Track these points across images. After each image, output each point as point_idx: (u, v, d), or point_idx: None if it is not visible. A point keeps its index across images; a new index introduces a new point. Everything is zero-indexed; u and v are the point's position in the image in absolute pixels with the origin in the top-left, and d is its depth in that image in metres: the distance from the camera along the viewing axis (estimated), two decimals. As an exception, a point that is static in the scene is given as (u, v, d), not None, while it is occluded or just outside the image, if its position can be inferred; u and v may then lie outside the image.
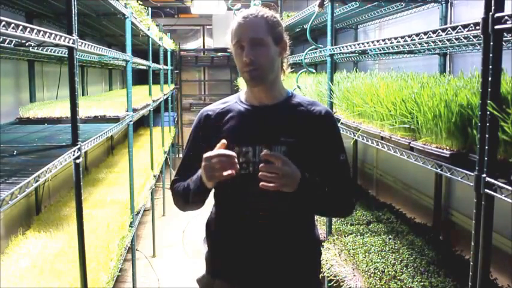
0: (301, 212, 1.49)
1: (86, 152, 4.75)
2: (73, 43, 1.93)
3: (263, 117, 1.47)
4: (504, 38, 1.28)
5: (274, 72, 1.46)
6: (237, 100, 1.54)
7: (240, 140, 1.44)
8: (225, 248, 1.51)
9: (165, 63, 7.66)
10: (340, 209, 1.55)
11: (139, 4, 4.18)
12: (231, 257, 1.49)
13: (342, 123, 2.48)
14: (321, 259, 1.60)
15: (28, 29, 1.40)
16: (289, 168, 1.29)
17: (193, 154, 1.53)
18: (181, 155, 11.00)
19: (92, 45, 2.34)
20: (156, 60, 6.16)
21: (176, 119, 9.55)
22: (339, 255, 2.49)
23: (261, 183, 1.27)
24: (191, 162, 1.52)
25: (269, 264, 1.45)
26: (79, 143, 2.03)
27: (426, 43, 1.78)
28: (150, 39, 5.36)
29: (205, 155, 1.32)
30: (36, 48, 2.22)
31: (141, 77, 7.60)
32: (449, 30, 1.38)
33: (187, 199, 1.48)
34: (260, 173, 1.27)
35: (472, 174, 1.29)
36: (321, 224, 3.00)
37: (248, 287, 1.48)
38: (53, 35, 1.66)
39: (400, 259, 2.29)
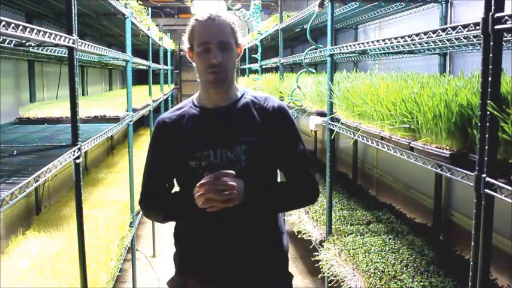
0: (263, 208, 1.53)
1: (86, 152, 4.75)
2: (73, 43, 1.93)
3: (220, 119, 1.50)
4: (504, 38, 1.28)
5: (233, 73, 1.51)
6: (192, 105, 1.55)
7: (200, 144, 1.47)
8: (193, 247, 1.54)
9: (165, 63, 7.66)
10: (303, 200, 1.62)
11: (139, 4, 4.19)
12: (200, 255, 1.52)
13: (342, 123, 2.49)
14: (287, 249, 1.63)
15: (28, 29, 1.40)
16: (234, 182, 1.34)
17: (156, 165, 1.55)
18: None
19: (92, 45, 2.34)
20: (156, 60, 6.16)
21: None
22: (339, 255, 2.50)
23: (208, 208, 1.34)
24: (156, 174, 1.55)
25: (236, 259, 1.49)
26: (79, 143, 2.03)
27: (426, 43, 1.78)
28: (150, 39, 5.36)
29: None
30: (36, 48, 2.22)
31: (141, 77, 7.60)
32: (449, 30, 1.38)
33: (174, 217, 1.57)
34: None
35: (472, 174, 1.29)
36: (320, 224, 3.00)
37: (220, 283, 1.51)
38: (53, 35, 1.66)
39: (400, 259, 2.29)
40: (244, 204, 1.38)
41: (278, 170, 1.61)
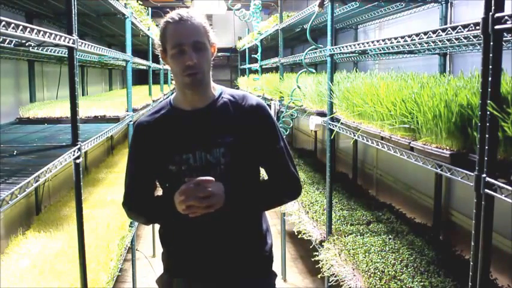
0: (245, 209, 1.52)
1: (86, 152, 4.75)
2: (73, 43, 1.94)
3: (197, 121, 1.48)
4: (504, 38, 1.28)
5: (209, 74, 1.49)
6: (169, 107, 1.53)
7: (179, 147, 1.46)
8: (177, 247, 1.55)
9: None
10: (285, 197, 1.61)
11: (139, 4, 4.19)
12: (183, 255, 1.53)
13: (342, 123, 2.48)
14: (272, 249, 1.62)
15: (28, 29, 1.40)
16: (213, 187, 1.35)
17: (137, 169, 1.55)
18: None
19: (92, 45, 2.34)
20: (156, 60, 6.15)
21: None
22: (339, 255, 2.49)
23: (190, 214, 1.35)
24: (137, 178, 1.55)
25: (218, 259, 1.49)
26: (79, 143, 2.03)
27: (426, 43, 1.78)
28: (150, 39, 5.36)
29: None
30: (36, 48, 2.22)
31: (141, 77, 7.60)
32: (449, 30, 1.38)
33: (157, 220, 1.59)
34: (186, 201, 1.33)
35: (472, 174, 1.29)
36: (320, 224, 3.00)
37: (203, 282, 1.52)
38: (53, 35, 1.66)
39: (400, 259, 2.29)
40: (225, 208, 1.38)
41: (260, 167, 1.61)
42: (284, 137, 1.59)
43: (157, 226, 1.63)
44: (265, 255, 1.59)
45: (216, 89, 1.54)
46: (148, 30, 5.07)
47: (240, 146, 1.46)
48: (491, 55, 1.19)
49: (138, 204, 1.55)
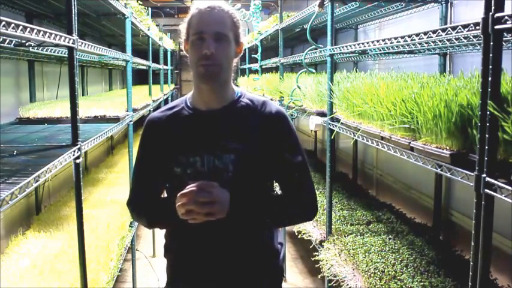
0: (253, 223, 1.41)
1: (86, 152, 4.75)
2: (73, 43, 1.94)
3: (210, 123, 1.38)
4: (504, 38, 1.28)
5: (229, 72, 1.38)
6: (184, 105, 1.44)
7: (188, 149, 1.37)
8: (182, 259, 1.46)
9: (165, 63, 7.66)
10: (297, 216, 1.50)
11: (139, 4, 4.19)
12: (188, 267, 1.43)
13: (342, 123, 2.49)
14: (282, 264, 1.53)
15: (28, 29, 1.40)
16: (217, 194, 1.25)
17: (145, 167, 1.46)
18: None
19: (92, 45, 2.34)
20: (156, 60, 6.16)
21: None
22: (339, 255, 2.49)
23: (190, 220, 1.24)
24: (144, 176, 1.47)
25: (224, 273, 1.40)
26: (79, 143, 2.03)
27: (426, 43, 1.78)
28: (150, 39, 5.36)
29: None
30: (36, 48, 2.22)
31: (141, 77, 7.60)
32: (449, 30, 1.38)
33: (157, 224, 1.50)
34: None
35: (472, 174, 1.29)
36: (320, 224, 3.00)
37: None
38: (53, 35, 1.66)
39: (400, 259, 2.29)
40: (230, 218, 1.27)
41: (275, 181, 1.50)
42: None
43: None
44: (275, 273, 1.49)
45: (235, 91, 1.44)
46: (148, 30, 5.07)
47: (252, 154, 1.35)
48: (491, 55, 1.19)
49: (141, 205, 1.47)
